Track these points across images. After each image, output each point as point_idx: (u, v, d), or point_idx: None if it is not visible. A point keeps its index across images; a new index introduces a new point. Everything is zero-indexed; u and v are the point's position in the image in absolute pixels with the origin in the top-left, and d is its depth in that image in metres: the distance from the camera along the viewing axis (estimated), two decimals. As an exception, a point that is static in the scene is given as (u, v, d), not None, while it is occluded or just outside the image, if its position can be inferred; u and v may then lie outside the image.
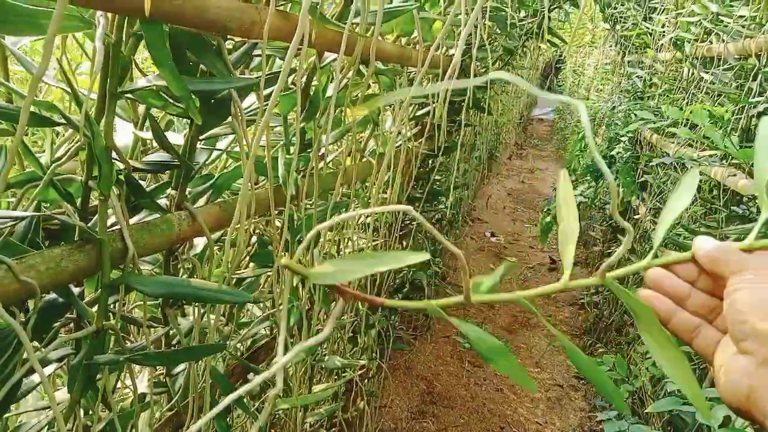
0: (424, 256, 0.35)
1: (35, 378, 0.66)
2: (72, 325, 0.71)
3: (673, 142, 2.20)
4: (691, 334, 0.45)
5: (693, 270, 0.46)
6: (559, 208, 0.45)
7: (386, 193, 1.46)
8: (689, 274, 0.46)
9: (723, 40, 1.93)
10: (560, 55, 9.22)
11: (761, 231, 0.43)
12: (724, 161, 1.70)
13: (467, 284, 0.39)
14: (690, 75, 2.35)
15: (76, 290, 0.66)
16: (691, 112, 1.37)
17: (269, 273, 1.04)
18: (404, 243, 2.09)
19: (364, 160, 1.30)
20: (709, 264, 0.44)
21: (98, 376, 0.68)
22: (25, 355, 0.61)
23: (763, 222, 0.43)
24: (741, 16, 1.84)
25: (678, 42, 2.42)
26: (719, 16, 2.00)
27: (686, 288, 0.46)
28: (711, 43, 2.09)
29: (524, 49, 2.55)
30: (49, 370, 0.67)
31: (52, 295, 0.63)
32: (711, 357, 0.44)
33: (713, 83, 1.98)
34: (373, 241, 1.56)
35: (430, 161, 1.91)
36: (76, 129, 0.56)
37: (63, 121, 0.57)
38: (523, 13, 2.11)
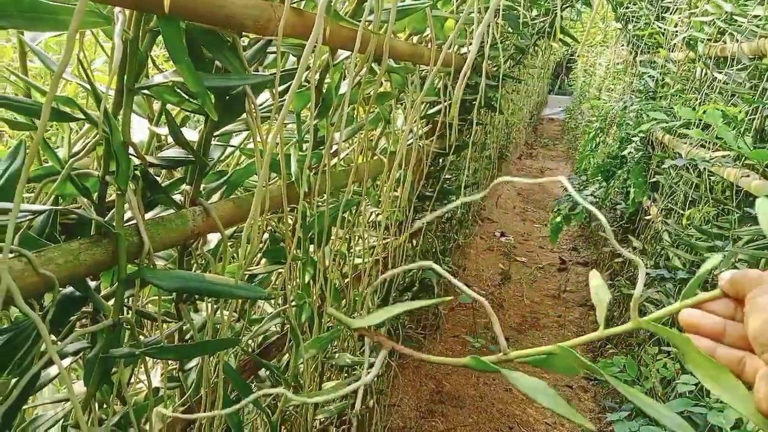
0: (428, 303, 0.37)
1: (51, 371, 0.67)
2: (87, 319, 0.71)
3: (686, 143, 2.19)
4: (737, 367, 0.45)
5: (727, 304, 0.46)
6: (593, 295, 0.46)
7: (397, 191, 1.47)
8: (724, 309, 0.46)
9: (737, 40, 1.92)
10: (571, 55, 9.17)
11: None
12: (737, 162, 1.69)
13: (502, 341, 0.40)
14: (703, 75, 2.33)
15: (92, 284, 0.66)
16: (704, 113, 1.36)
17: (281, 270, 1.05)
18: (414, 242, 2.09)
19: (376, 158, 1.31)
20: (733, 290, 0.44)
21: (113, 370, 0.69)
22: (42, 348, 0.61)
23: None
24: (755, 16, 1.83)
25: (691, 42, 2.41)
26: (733, 16, 1.99)
27: (721, 323, 0.46)
28: (725, 42, 2.07)
29: (536, 48, 2.55)
30: (65, 363, 0.68)
31: (69, 289, 0.64)
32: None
33: (726, 83, 1.97)
34: (384, 239, 1.56)
35: (440, 160, 1.91)
36: (94, 124, 0.57)
37: (81, 116, 0.58)
38: (535, 12, 2.11)
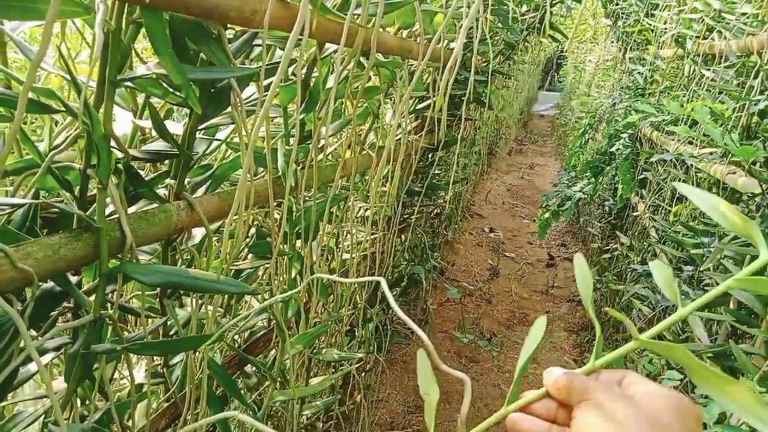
0: None
1: (32, 367, 0.66)
2: (69, 314, 0.70)
3: (674, 139, 2.20)
4: None
5: (552, 405, 0.44)
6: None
7: (386, 186, 1.46)
8: (549, 410, 0.44)
9: (725, 38, 1.93)
10: (562, 51, 9.19)
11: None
12: (723, 159, 1.70)
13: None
14: (691, 72, 2.34)
15: (73, 279, 0.65)
16: (692, 109, 1.36)
17: (267, 265, 1.04)
18: (403, 237, 2.09)
19: (364, 153, 1.30)
20: (558, 394, 0.42)
21: (95, 366, 0.68)
22: (22, 344, 0.60)
23: (600, 346, 0.43)
24: (743, 14, 1.84)
25: (680, 39, 2.42)
26: (721, 13, 2.00)
27: (545, 427, 0.43)
28: (713, 40, 2.08)
29: (525, 43, 2.54)
30: (46, 359, 0.67)
31: (50, 284, 0.63)
32: None
33: (714, 81, 1.98)
34: (372, 234, 1.56)
35: (429, 155, 1.90)
36: (74, 117, 0.56)
37: (62, 108, 0.57)
38: (525, 8, 2.11)
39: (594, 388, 0.40)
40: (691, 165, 1.92)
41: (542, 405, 0.44)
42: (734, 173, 1.58)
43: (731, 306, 1.39)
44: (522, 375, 0.44)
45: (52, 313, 0.68)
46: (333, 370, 1.47)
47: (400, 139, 1.42)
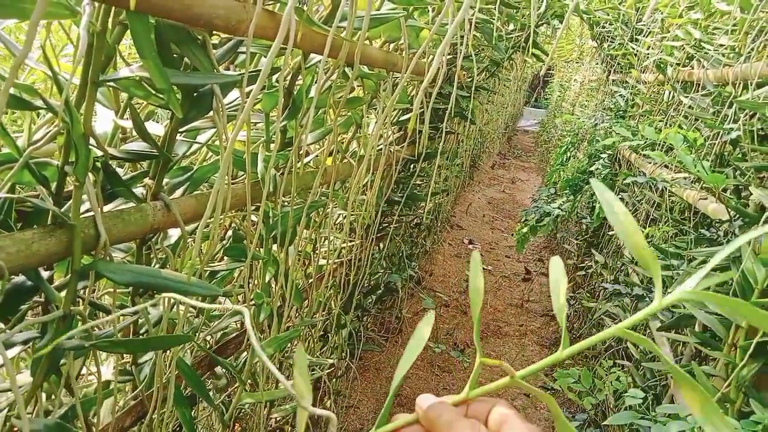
0: None
1: (-2, 360, 0.66)
2: (39, 309, 0.71)
3: (650, 162, 2.25)
4: None
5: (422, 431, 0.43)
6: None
7: (365, 194, 1.48)
8: None
9: (704, 66, 1.98)
10: (549, 69, 9.31)
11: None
12: (696, 184, 1.75)
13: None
14: (671, 98, 2.40)
15: (45, 274, 0.66)
16: (666, 135, 1.40)
17: (242, 267, 1.05)
18: (381, 245, 2.10)
19: (345, 161, 1.31)
20: (427, 425, 0.42)
21: (62, 361, 0.69)
22: (-11, 336, 0.61)
23: (477, 372, 0.43)
24: (721, 45, 1.89)
25: (661, 65, 2.48)
26: (701, 43, 2.05)
27: None
28: (692, 68, 2.14)
29: (511, 61, 2.59)
30: (13, 352, 0.67)
31: (21, 278, 0.63)
32: None
33: (692, 107, 2.03)
34: (350, 241, 1.57)
35: (411, 166, 1.92)
36: (54, 113, 0.57)
37: (42, 105, 0.57)
38: (511, 27, 2.14)
39: (460, 428, 0.40)
40: (665, 189, 1.97)
41: (412, 429, 0.43)
42: (705, 199, 1.63)
43: (696, 328, 1.43)
44: (395, 393, 0.43)
45: (22, 307, 0.68)
46: (304, 375, 1.48)
47: (381, 149, 1.44)
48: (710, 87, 1.91)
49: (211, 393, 1.08)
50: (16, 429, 0.67)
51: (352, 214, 1.34)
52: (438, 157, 1.75)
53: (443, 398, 0.43)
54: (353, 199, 1.26)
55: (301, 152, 1.00)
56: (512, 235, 4.76)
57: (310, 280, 1.39)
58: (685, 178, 1.85)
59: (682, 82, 2.26)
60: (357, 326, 2.03)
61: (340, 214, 1.54)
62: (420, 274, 3.36)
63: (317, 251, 1.41)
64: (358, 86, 1.20)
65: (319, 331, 1.56)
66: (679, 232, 1.91)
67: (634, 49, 2.99)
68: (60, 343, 0.61)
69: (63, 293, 0.65)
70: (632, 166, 2.64)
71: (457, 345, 3.01)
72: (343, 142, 1.31)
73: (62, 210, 0.62)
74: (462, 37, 1.14)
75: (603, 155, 2.94)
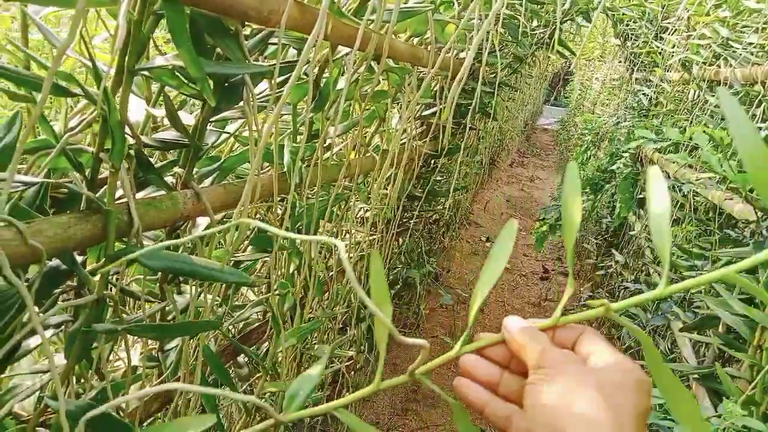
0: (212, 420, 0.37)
1: (31, 342, 0.68)
2: (70, 293, 0.72)
3: (674, 162, 2.22)
4: (504, 422, 0.42)
5: (506, 351, 0.43)
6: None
7: (387, 189, 1.48)
8: (503, 356, 0.44)
9: (731, 65, 1.95)
10: (569, 67, 9.23)
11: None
12: (721, 185, 1.72)
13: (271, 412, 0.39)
14: (696, 97, 2.37)
15: (78, 259, 0.67)
16: (691, 135, 1.39)
17: (266, 258, 1.06)
18: (401, 240, 2.11)
19: (368, 155, 1.32)
20: (514, 349, 0.42)
21: (93, 345, 0.70)
22: (25, 318, 0.62)
23: (568, 296, 0.42)
24: (750, 43, 1.86)
25: (686, 63, 2.44)
26: (729, 41, 2.02)
27: (497, 372, 0.43)
28: (719, 67, 2.11)
29: (534, 58, 2.57)
30: (46, 335, 0.68)
31: (55, 262, 0.64)
32: None
33: (717, 107, 2.00)
34: (371, 236, 1.58)
35: (432, 161, 1.92)
36: (93, 101, 0.58)
37: (80, 92, 0.58)
38: (535, 23, 2.13)
39: (555, 358, 0.40)
40: (689, 189, 1.95)
41: (497, 350, 0.44)
42: (731, 199, 1.61)
43: (720, 329, 1.41)
44: (477, 311, 0.44)
45: (55, 291, 0.69)
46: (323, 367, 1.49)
47: (404, 143, 1.44)
48: (737, 86, 1.88)
49: (234, 381, 1.10)
50: (48, 410, 0.68)
51: (375, 208, 1.34)
52: (460, 152, 1.75)
53: (531, 320, 0.43)
54: (376, 193, 1.26)
55: (326, 144, 1.01)
56: (531, 233, 4.74)
57: (331, 273, 1.40)
58: (709, 179, 1.82)
59: (708, 81, 2.23)
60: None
61: (361, 208, 1.55)
62: (437, 270, 3.36)
63: (338, 244, 1.41)
64: (383, 80, 1.20)
65: (338, 323, 1.57)
66: (703, 232, 1.89)
67: (658, 47, 2.96)
68: (93, 326, 0.62)
69: (96, 278, 0.66)
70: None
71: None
72: (366, 136, 1.32)
73: (96, 196, 0.63)
74: (488, 32, 1.14)
75: (625, 154, 2.91)
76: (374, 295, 0.37)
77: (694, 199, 1.95)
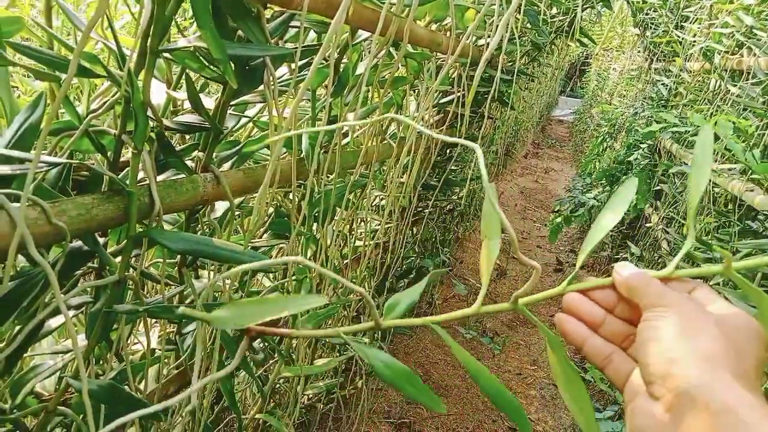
0: (321, 300, 0.37)
1: (53, 322, 0.68)
2: (91, 275, 0.73)
3: (693, 152, 2.19)
4: (603, 360, 0.44)
5: (612, 296, 0.44)
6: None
7: (403, 177, 1.47)
8: (608, 300, 0.45)
9: (754, 54, 1.91)
10: (586, 58, 9.13)
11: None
12: (742, 176, 1.70)
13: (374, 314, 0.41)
14: (717, 87, 2.33)
15: (100, 240, 0.67)
16: (715, 123, 1.36)
17: (282, 244, 1.06)
18: (415, 229, 2.10)
19: (385, 142, 1.31)
20: (627, 292, 0.43)
21: (114, 327, 0.70)
22: (47, 298, 0.63)
23: (686, 251, 0.43)
24: (775, 32, 1.83)
25: (708, 53, 2.40)
26: (753, 30, 1.98)
27: (601, 314, 0.45)
28: (742, 56, 2.07)
29: (552, 46, 2.54)
30: (69, 315, 0.69)
31: (78, 243, 0.65)
32: (622, 387, 0.42)
33: (740, 97, 1.97)
34: (386, 224, 1.57)
35: (448, 150, 1.91)
36: (116, 83, 0.58)
37: (104, 73, 0.58)
38: (555, 10, 2.10)
39: (673, 298, 0.40)
40: (709, 180, 1.92)
41: (602, 293, 0.45)
42: (752, 191, 1.58)
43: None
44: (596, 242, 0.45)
45: (77, 272, 0.70)
46: (337, 354, 1.49)
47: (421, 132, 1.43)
48: (761, 75, 1.85)
49: (250, 365, 1.10)
50: (70, 389, 0.69)
51: (391, 196, 1.34)
52: (478, 142, 1.74)
53: (644, 270, 0.43)
54: (392, 181, 1.26)
55: (344, 130, 1.00)
56: (545, 225, 4.71)
57: (346, 261, 1.40)
58: (730, 169, 1.80)
59: (729, 71, 2.19)
60: (389, 309, 2.03)
61: (377, 196, 1.54)
62: (451, 261, 3.36)
63: (353, 232, 1.41)
64: (401, 66, 1.19)
65: (352, 311, 1.57)
66: (722, 224, 1.86)
67: (679, 36, 2.91)
68: (114, 307, 0.63)
69: (117, 259, 0.67)
70: (673, 157, 2.57)
71: (486, 332, 3.00)
72: (383, 123, 1.31)
73: (118, 177, 0.63)
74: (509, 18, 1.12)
75: (643, 145, 2.88)
76: (485, 229, 0.41)
77: (713, 190, 1.93)
